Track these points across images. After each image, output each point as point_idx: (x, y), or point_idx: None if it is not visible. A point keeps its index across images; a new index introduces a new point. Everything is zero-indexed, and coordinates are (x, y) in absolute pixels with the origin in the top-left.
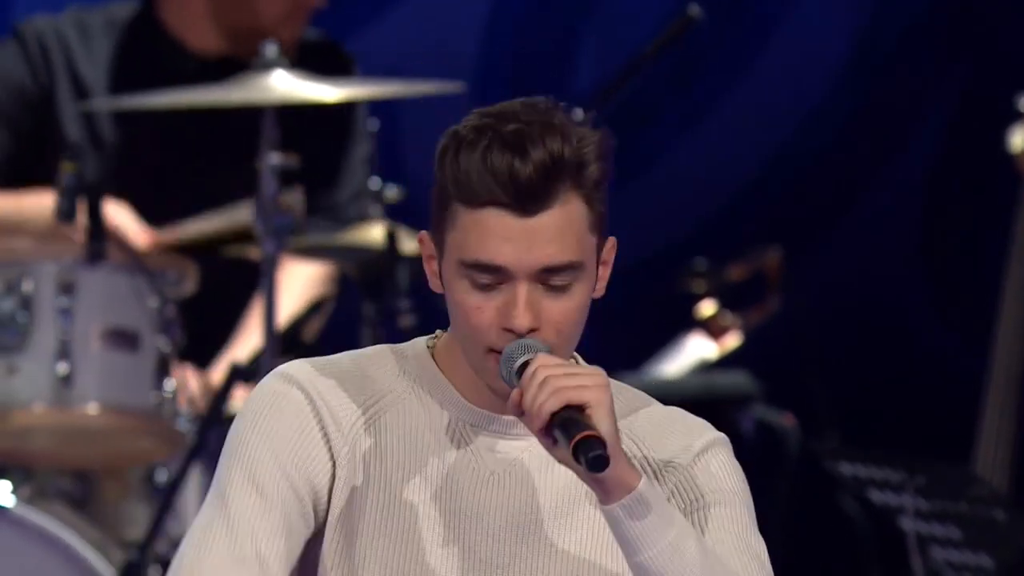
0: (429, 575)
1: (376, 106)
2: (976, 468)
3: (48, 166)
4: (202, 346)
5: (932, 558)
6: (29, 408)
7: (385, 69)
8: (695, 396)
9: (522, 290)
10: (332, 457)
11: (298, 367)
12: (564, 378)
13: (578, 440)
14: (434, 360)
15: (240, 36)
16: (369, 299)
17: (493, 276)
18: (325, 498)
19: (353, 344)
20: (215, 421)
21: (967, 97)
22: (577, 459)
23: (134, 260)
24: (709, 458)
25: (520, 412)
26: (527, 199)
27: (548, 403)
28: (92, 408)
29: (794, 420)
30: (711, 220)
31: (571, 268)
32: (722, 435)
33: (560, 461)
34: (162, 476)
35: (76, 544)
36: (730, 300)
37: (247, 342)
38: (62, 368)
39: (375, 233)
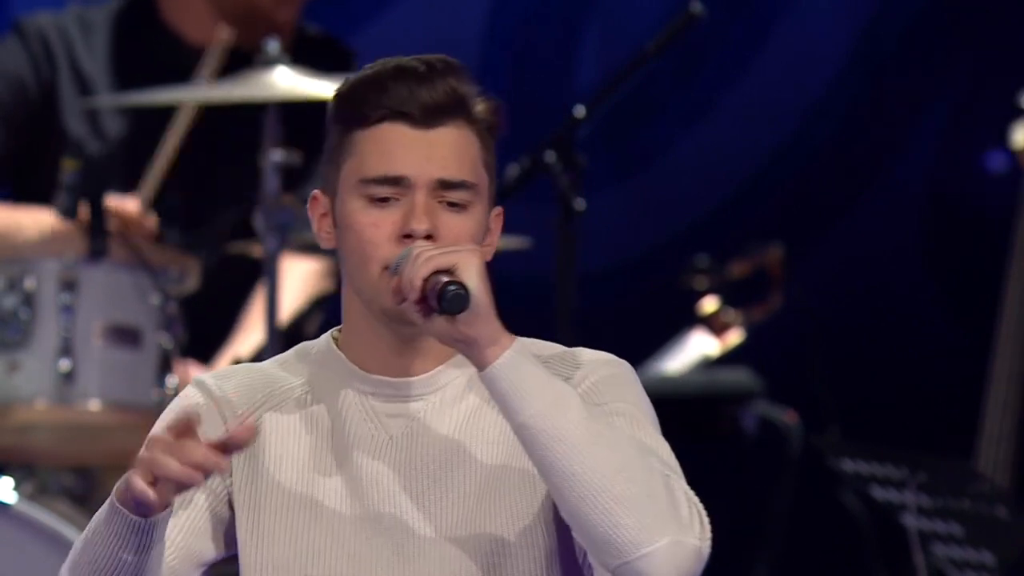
0: (337, 543)
1: None
2: (978, 465)
3: (50, 162)
4: (204, 342)
5: (934, 555)
6: (31, 405)
7: None
8: (697, 393)
9: (420, 197)
10: None
11: (211, 373)
12: (434, 251)
13: (441, 287)
14: (337, 346)
15: (237, 22)
16: None
17: (393, 188)
18: (227, 477)
19: None
20: None
21: (968, 93)
22: (441, 306)
23: (136, 257)
24: (598, 381)
25: (401, 299)
26: (425, 112)
27: (419, 271)
28: (94, 405)
29: (796, 417)
30: (713, 216)
31: (467, 187)
32: (619, 360)
33: (437, 334)
34: None
35: None
36: (732, 297)
37: (249, 338)
38: (64, 365)
39: None
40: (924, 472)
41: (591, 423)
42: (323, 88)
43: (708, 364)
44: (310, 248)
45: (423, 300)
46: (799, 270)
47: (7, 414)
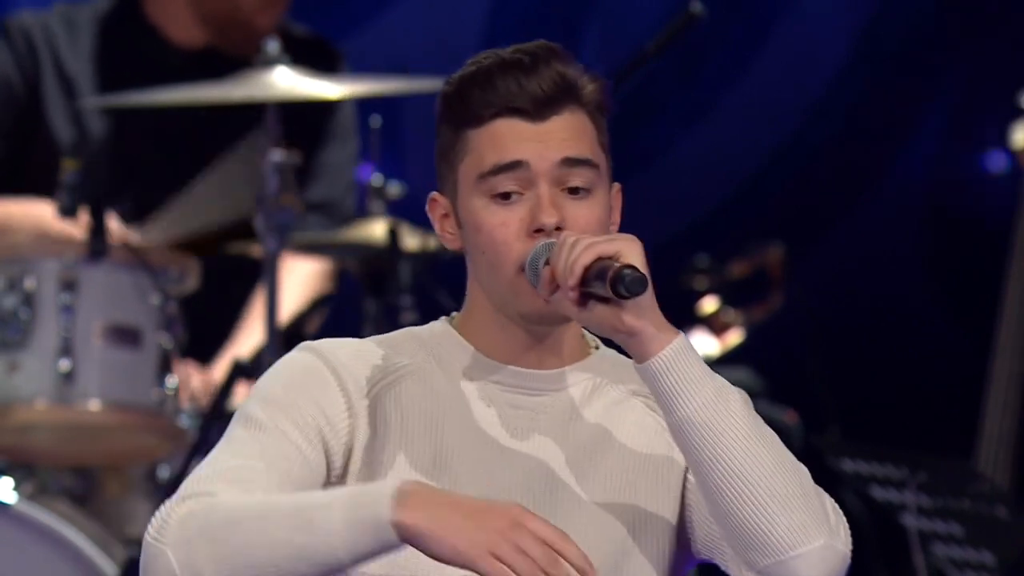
0: None
1: (378, 103)
2: (978, 465)
3: (37, 162)
4: (204, 343)
5: (934, 555)
6: (31, 405)
7: (387, 65)
8: None
9: (544, 189)
10: (349, 410)
11: (318, 341)
12: (592, 238)
13: (616, 270)
14: (455, 330)
15: (219, 25)
16: (371, 296)
17: (515, 178)
18: (341, 447)
19: None
20: (217, 418)
21: (968, 93)
22: (616, 290)
23: (136, 257)
24: None
25: (553, 288)
26: (537, 105)
27: (581, 257)
28: (94, 405)
29: (796, 417)
30: (713, 216)
31: (589, 165)
32: None
33: (596, 323)
34: (164, 473)
35: (78, 541)
36: (732, 297)
37: (249, 338)
38: (64, 365)
39: (377, 230)
40: (924, 472)
41: (749, 418)
42: (323, 89)
43: (708, 364)
44: (311, 248)
45: (581, 286)
46: (799, 270)
47: (7, 414)
